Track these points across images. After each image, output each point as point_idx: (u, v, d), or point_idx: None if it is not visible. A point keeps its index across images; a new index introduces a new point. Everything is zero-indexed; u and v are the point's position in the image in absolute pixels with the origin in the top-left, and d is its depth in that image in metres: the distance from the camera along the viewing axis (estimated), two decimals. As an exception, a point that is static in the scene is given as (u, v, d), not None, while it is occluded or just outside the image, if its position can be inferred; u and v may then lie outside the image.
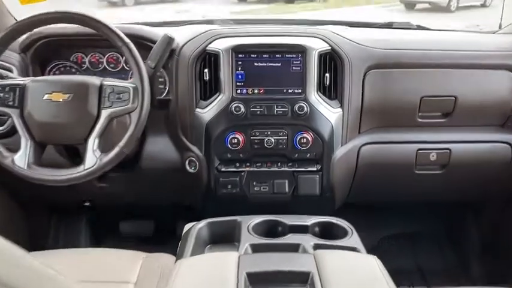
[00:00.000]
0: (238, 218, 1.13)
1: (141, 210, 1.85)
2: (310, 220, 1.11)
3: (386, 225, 1.97)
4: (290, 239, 1.04)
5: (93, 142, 1.15)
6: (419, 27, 1.76)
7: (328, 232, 1.10)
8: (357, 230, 1.05)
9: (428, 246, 1.98)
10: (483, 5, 10.26)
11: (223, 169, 1.42)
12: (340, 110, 1.40)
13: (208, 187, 1.44)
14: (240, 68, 1.37)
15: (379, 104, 1.43)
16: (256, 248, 0.99)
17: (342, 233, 1.08)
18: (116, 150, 1.15)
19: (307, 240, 1.02)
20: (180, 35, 1.44)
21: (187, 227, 1.15)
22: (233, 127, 1.38)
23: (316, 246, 0.99)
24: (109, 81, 1.19)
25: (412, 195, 1.67)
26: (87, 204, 1.70)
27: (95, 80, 1.19)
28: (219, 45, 1.37)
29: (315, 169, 1.42)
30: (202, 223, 1.12)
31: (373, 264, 0.88)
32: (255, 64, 1.37)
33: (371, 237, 1.99)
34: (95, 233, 1.91)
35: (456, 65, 1.43)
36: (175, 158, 1.48)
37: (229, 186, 1.42)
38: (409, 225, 1.98)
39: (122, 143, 1.15)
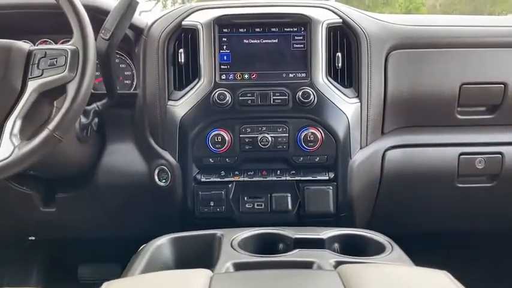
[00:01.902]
0: (218, 231, 0.76)
1: (105, 248, 1.45)
2: (326, 232, 0.74)
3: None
4: (297, 255, 0.66)
5: (11, 125, 0.80)
6: None
7: (353, 249, 0.72)
8: None
9: None
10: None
11: (203, 179, 1.06)
12: (357, 101, 1.07)
13: (185, 205, 1.07)
14: (225, 47, 1.06)
15: (407, 95, 1.10)
16: (242, 268, 0.61)
17: (376, 249, 0.70)
18: (44, 134, 0.80)
19: (325, 257, 0.65)
20: (150, 17, 1.14)
21: (142, 247, 0.77)
22: (216, 122, 1.04)
23: (340, 264, 0.62)
24: (42, 46, 0.87)
25: (452, 221, 1.29)
26: (31, 238, 1.32)
27: (22, 44, 0.87)
28: (198, 18, 1.06)
29: (326, 178, 1.06)
30: (163, 239, 0.75)
31: (447, 284, 0.50)
32: (245, 41, 1.06)
33: None
34: (50, 277, 1.49)
35: (504, 43, 1.12)
36: (141, 170, 1.13)
37: (212, 204, 1.05)
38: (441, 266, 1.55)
39: (51, 125, 0.80)
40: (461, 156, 1.14)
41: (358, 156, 1.07)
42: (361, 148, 1.08)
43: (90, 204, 1.19)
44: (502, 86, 1.11)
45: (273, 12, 1.07)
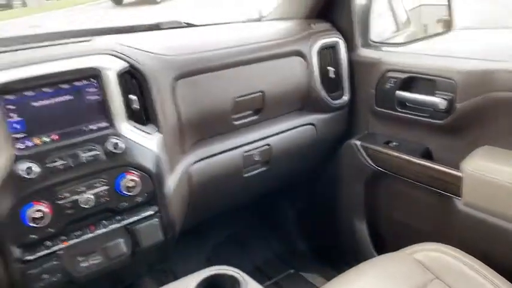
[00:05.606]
0: None
1: None
2: (188, 283, 0.88)
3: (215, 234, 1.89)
4: None
5: None
6: (188, 25, 1.64)
7: None
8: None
9: (257, 243, 1.99)
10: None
11: (29, 257, 1.01)
12: (158, 134, 1.16)
13: None
14: (16, 115, 0.97)
15: (197, 116, 1.26)
16: None
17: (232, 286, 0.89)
18: None
19: None
20: None
21: None
22: (29, 197, 0.98)
23: None
24: None
25: (241, 199, 1.60)
26: None
27: None
28: None
29: (151, 212, 1.15)
30: None
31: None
32: (35, 104, 0.99)
33: (202, 248, 1.87)
34: None
35: (258, 58, 1.37)
36: None
37: (46, 276, 1.02)
38: (235, 229, 1.94)
39: None
40: (244, 154, 1.40)
41: (171, 182, 1.19)
42: (171, 173, 1.20)
43: None
44: (261, 93, 1.38)
45: (59, 71, 1.01)
